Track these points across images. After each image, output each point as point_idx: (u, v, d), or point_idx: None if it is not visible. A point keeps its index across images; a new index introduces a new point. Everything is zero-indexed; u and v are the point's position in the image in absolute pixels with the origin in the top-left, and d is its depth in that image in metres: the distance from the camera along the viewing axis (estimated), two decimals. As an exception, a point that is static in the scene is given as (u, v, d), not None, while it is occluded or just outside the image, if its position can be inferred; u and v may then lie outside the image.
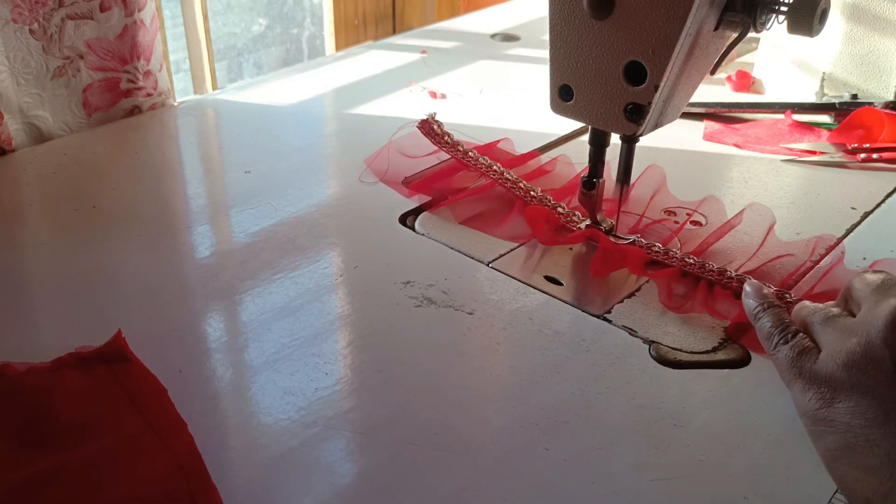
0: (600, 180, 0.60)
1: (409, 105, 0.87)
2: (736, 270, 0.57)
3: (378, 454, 0.44)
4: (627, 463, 0.44)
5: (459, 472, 0.43)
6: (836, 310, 0.44)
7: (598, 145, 0.60)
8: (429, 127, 0.75)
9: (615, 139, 0.59)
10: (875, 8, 0.82)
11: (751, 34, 0.53)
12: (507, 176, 0.69)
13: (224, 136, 0.83)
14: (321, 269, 0.60)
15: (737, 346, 0.53)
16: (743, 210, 0.63)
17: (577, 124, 0.77)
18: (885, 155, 0.75)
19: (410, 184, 0.70)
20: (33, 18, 0.75)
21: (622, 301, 0.57)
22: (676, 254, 0.59)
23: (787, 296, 0.54)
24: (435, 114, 0.77)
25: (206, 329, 0.54)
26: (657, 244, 0.60)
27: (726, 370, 0.51)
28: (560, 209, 0.65)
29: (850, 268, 0.59)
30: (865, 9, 0.82)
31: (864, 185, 0.73)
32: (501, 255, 0.61)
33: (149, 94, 0.85)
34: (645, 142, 0.59)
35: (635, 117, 0.55)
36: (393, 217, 0.66)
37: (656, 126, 0.57)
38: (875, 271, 0.44)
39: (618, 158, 0.60)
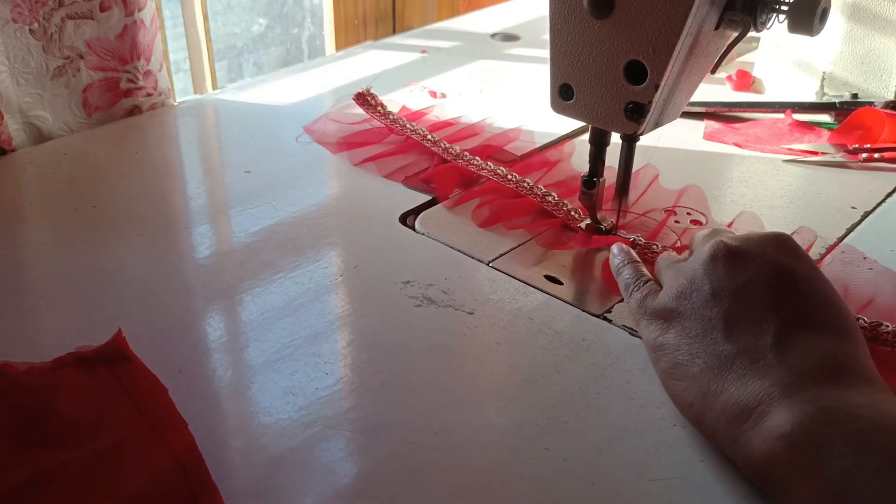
0: (600, 179, 0.60)
1: (409, 105, 0.87)
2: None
3: (378, 454, 0.44)
4: (627, 463, 0.44)
5: (459, 472, 0.43)
6: (680, 256, 0.52)
7: (599, 144, 0.60)
8: (363, 98, 0.83)
9: (615, 138, 0.59)
10: (875, 8, 0.81)
11: (751, 34, 0.53)
12: (429, 137, 0.76)
13: (224, 136, 0.83)
14: (321, 269, 0.60)
15: (737, 346, 0.52)
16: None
17: (578, 123, 0.77)
18: (886, 155, 0.75)
19: (340, 142, 0.78)
20: (33, 18, 0.75)
21: (622, 301, 0.57)
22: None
23: (655, 246, 0.60)
24: (370, 87, 0.85)
25: (206, 329, 0.54)
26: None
27: (726, 370, 0.50)
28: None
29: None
30: (866, 8, 0.82)
31: (864, 184, 0.73)
32: (501, 255, 0.61)
33: (149, 94, 0.85)
34: (645, 141, 0.59)
35: (636, 116, 0.55)
36: (393, 217, 0.66)
37: (657, 125, 0.57)
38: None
39: (618, 159, 0.60)
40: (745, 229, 0.63)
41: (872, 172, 0.75)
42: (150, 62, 0.83)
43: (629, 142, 0.59)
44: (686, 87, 0.56)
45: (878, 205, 0.69)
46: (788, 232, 0.64)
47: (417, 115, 0.83)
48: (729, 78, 0.93)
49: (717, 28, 0.53)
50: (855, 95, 0.83)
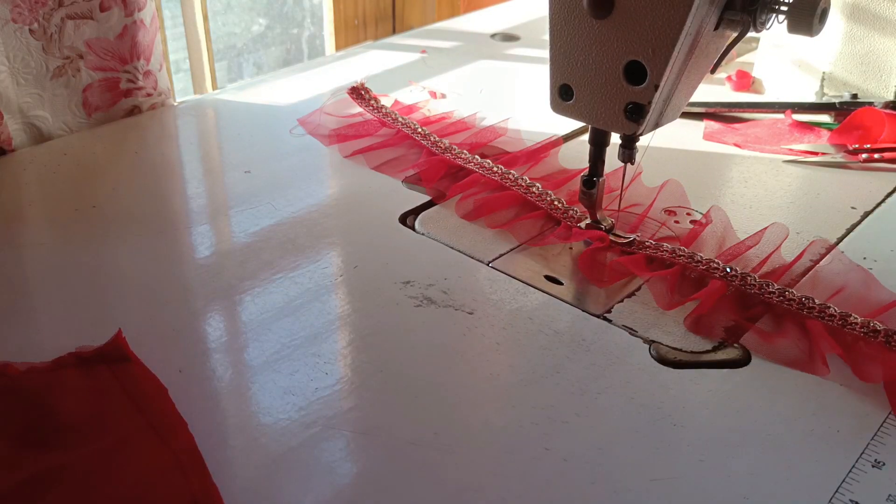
0: (600, 179, 0.60)
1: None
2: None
3: (378, 454, 0.44)
4: (627, 463, 0.44)
5: (459, 472, 0.43)
6: None
7: (598, 145, 0.60)
8: (357, 92, 0.85)
9: (615, 138, 0.59)
10: (875, 8, 0.81)
11: (751, 34, 0.53)
12: (419, 130, 0.77)
13: (224, 136, 0.83)
14: (321, 269, 0.60)
15: (737, 346, 0.53)
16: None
17: (578, 124, 0.77)
18: (886, 155, 0.75)
19: (332, 134, 0.79)
20: (33, 18, 0.75)
21: (622, 301, 0.57)
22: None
23: (649, 243, 0.60)
24: (364, 81, 0.86)
25: (206, 329, 0.54)
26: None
27: (726, 370, 0.50)
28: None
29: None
30: (865, 9, 0.82)
31: (864, 184, 0.73)
32: (501, 255, 0.61)
33: (149, 94, 0.85)
34: (645, 141, 0.59)
35: (635, 117, 0.55)
36: (393, 217, 0.66)
37: (656, 126, 0.57)
38: None
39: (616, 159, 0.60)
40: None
41: (872, 172, 0.75)
42: (149, 62, 0.83)
43: (628, 142, 0.59)
44: (686, 87, 0.56)
45: (878, 205, 0.69)
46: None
47: (410, 110, 0.84)
48: (729, 78, 0.93)
49: (716, 28, 0.53)
50: (855, 96, 0.83)
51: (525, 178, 0.68)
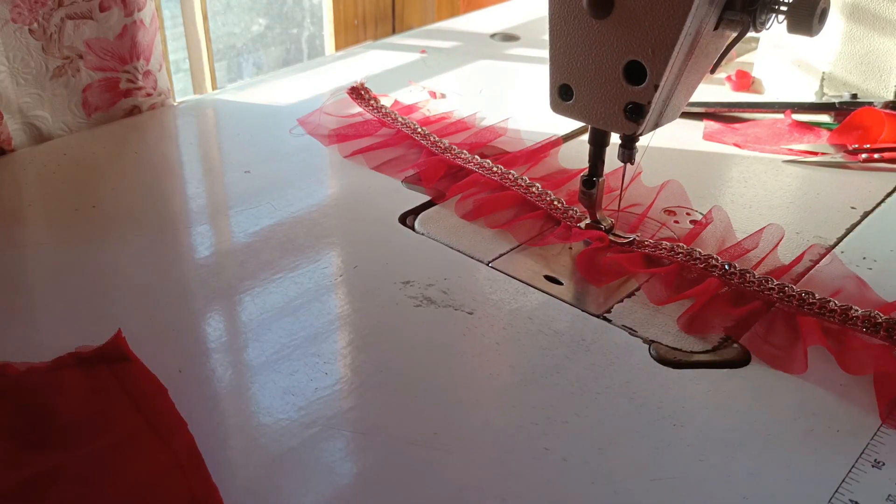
0: (600, 179, 0.60)
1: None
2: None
3: (378, 454, 0.44)
4: (627, 463, 0.44)
5: (459, 472, 0.43)
6: None
7: (598, 145, 0.60)
8: (357, 92, 0.85)
9: (615, 138, 0.59)
10: (875, 8, 0.81)
11: (750, 34, 0.53)
12: (419, 130, 0.77)
13: (224, 136, 0.83)
14: (321, 269, 0.60)
15: (737, 346, 0.53)
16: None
17: (577, 124, 0.77)
18: (886, 155, 0.75)
19: (331, 134, 0.79)
20: (33, 18, 0.75)
21: (622, 301, 0.57)
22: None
23: (648, 241, 0.60)
24: (364, 81, 0.86)
25: (205, 329, 0.54)
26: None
27: (726, 370, 0.50)
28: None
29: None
30: (865, 9, 0.82)
31: (863, 184, 0.73)
32: (501, 255, 0.61)
33: (148, 94, 0.85)
34: (645, 141, 0.59)
35: (635, 117, 0.55)
36: (393, 217, 0.66)
37: (656, 126, 0.57)
38: None
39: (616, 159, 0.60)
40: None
41: (872, 172, 0.75)
42: (149, 62, 0.83)
43: (628, 142, 0.59)
44: (685, 87, 0.56)
45: (878, 205, 0.69)
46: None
47: (409, 110, 0.84)
48: (728, 78, 0.93)
49: (716, 28, 0.53)
50: (854, 95, 0.83)
51: (525, 178, 0.68)
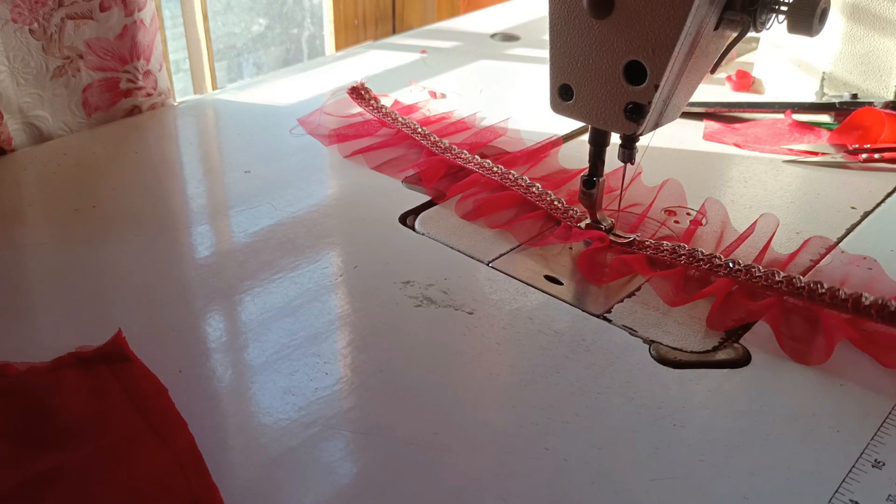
0: (600, 179, 0.60)
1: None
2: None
3: (378, 454, 0.44)
4: (627, 463, 0.44)
5: (459, 472, 0.43)
6: None
7: (598, 145, 0.60)
8: (357, 92, 0.85)
9: (615, 138, 0.59)
10: (875, 8, 0.81)
11: (751, 34, 0.53)
12: (419, 130, 0.77)
13: (224, 136, 0.83)
14: (321, 269, 0.60)
15: (737, 346, 0.53)
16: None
17: (577, 124, 0.77)
18: (886, 155, 0.75)
19: (332, 134, 0.79)
20: (33, 18, 0.75)
21: (622, 301, 0.57)
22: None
23: (649, 242, 0.59)
24: (364, 81, 0.87)
25: (205, 329, 0.54)
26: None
27: (726, 370, 0.50)
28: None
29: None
30: (865, 9, 0.82)
31: (864, 184, 0.73)
32: (501, 255, 0.61)
33: (148, 94, 0.85)
34: (645, 141, 0.59)
35: (635, 117, 0.55)
36: (393, 217, 0.66)
37: (656, 126, 0.57)
38: None
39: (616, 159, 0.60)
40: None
41: (872, 172, 0.75)
42: (149, 62, 0.83)
43: (628, 142, 0.59)
44: (686, 87, 0.56)
45: (878, 205, 0.69)
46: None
47: (410, 110, 0.84)
48: (728, 78, 0.93)
49: (716, 28, 0.53)
50: (854, 96, 0.83)
51: (525, 178, 0.68)
